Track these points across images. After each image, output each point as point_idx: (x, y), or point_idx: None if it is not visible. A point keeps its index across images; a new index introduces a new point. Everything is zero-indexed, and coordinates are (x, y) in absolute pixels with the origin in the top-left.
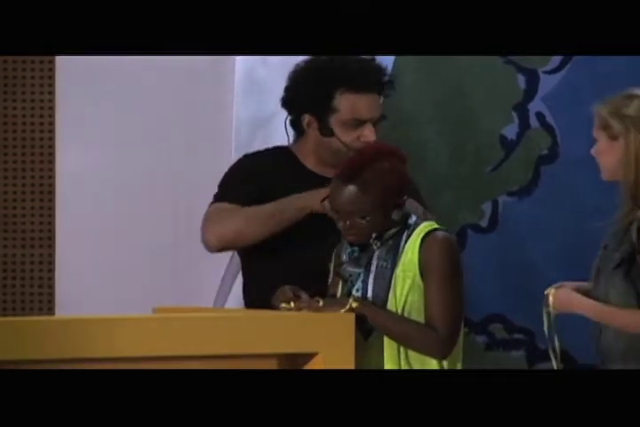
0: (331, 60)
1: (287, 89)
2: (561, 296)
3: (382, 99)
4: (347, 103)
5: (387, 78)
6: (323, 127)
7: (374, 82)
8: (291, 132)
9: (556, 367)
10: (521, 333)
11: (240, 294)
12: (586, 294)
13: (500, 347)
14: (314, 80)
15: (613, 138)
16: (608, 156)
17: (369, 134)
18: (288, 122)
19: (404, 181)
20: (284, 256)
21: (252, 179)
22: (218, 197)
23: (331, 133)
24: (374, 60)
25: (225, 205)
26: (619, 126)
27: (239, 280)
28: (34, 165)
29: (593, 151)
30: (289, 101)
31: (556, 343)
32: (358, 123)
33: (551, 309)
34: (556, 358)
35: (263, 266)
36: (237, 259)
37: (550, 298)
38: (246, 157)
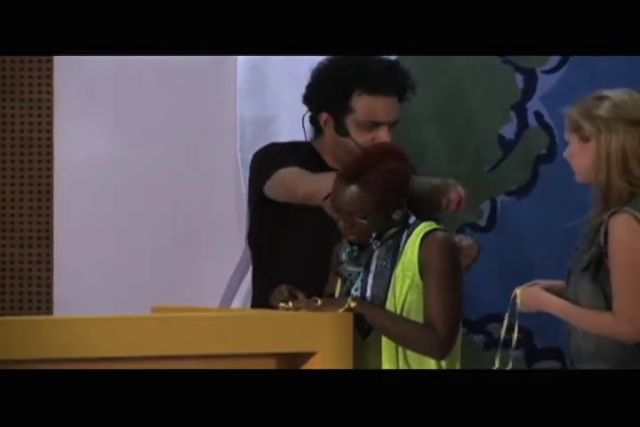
0: (352, 61)
1: (308, 86)
2: (530, 295)
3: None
4: (363, 104)
5: (407, 83)
6: (339, 127)
7: (393, 85)
8: (309, 128)
9: (497, 366)
10: (519, 332)
11: (245, 294)
12: (560, 292)
13: (498, 346)
14: (333, 79)
15: (585, 140)
16: (580, 158)
17: (383, 137)
18: (307, 118)
19: (407, 182)
20: (290, 254)
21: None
22: (280, 165)
23: (346, 133)
24: (397, 63)
25: (297, 168)
26: (590, 128)
27: (244, 281)
28: (32, 164)
29: (565, 154)
30: (308, 98)
31: (513, 346)
32: (373, 125)
33: (519, 307)
34: (504, 362)
35: (271, 264)
36: (245, 258)
37: (518, 298)
38: (274, 144)
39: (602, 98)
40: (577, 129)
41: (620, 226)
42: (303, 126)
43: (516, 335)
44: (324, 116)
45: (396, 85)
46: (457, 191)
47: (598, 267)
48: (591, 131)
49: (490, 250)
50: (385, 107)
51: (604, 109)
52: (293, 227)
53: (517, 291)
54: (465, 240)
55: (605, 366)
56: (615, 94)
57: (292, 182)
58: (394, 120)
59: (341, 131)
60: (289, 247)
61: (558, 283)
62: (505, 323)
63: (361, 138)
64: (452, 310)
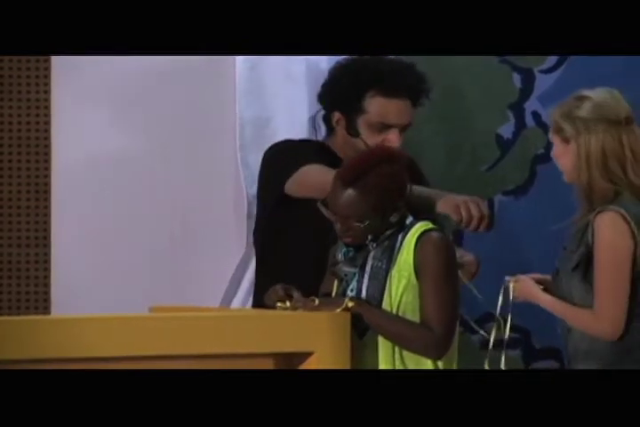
0: (368, 62)
1: (323, 85)
2: (521, 285)
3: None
4: (376, 106)
5: (422, 86)
6: (350, 127)
7: (407, 88)
8: (321, 127)
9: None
10: (517, 332)
11: (245, 293)
12: (550, 286)
13: (495, 346)
14: (347, 79)
15: (566, 141)
16: (564, 159)
17: (393, 139)
18: (321, 117)
19: (404, 185)
20: (295, 254)
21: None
22: (303, 161)
23: (357, 134)
24: (413, 66)
25: (321, 165)
26: (570, 129)
27: (244, 281)
28: (29, 164)
29: (551, 154)
30: (322, 97)
31: (506, 336)
32: (384, 127)
33: (511, 295)
34: (496, 361)
35: (275, 263)
36: (246, 259)
37: (511, 286)
38: (288, 141)
39: (582, 98)
40: (558, 131)
41: (606, 224)
42: (314, 125)
43: (508, 327)
44: (336, 115)
45: (411, 89)
46: (479, 208)
47: (587, 266)
48: (571, 132)
49: (487, 250)
50: (397, 109)
51: (584, 110)
52: (300, 226)
53: (511, 283)
54: (466, 256)
55: (597, 366)
56: (595, 94)
57: (321, 178)
58: (405, 123)
59: (352, 131)
60: (294, 247)
61: (549, 277)
62: (498, 308)
63: (371, 139)
64: (448, 309)
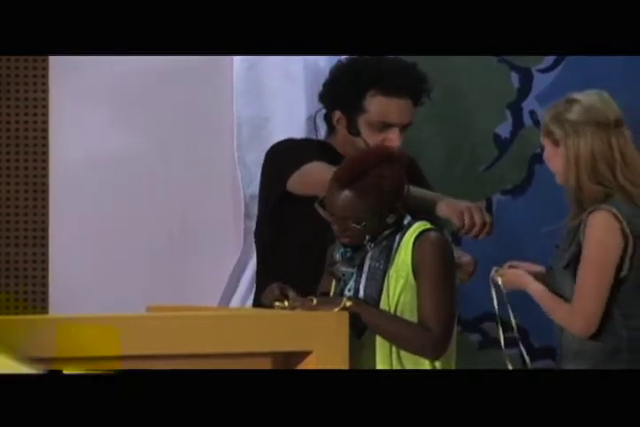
0: (369, 61)
1: (324, 84)
2: (512, 274)
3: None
4: (376, 105)
5: (424, 86)
6: (351, 126)
7: (408, 88)
8: (321, 126)
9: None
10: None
11: (244, 292)
12: (543, 279)
13: (493, 345)
14: (348, 78)
15: (556, 144)
16: (554, 161)
17: (393, 139)
18: (321, 116)
19: (402, 186)
20: (297, 253)
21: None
22: (306, 159)
23: (357, 133)
24: (415, 66)
25: (323, 163)
26: (559, 132)
27: (243, 280)
28: (27, 163)
29: (543, 157)
30: (323, 96)
31: (515, 330)
32: (385, 126)
33: (502, 286)
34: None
35: (276, 262)
36: (244, 258)
37: (499, 280)
38: (291, 140)
39: (571, 101)
40: (548, 133)
41: (598, 222)
42: (315, 124)
43: (514, 323)
44: (337, 114)
45: (411, 88)
46: (482, 215)
47: (578, 264)
48: (560, 135)
49: (485, 249)
50: (398, 109)
51: (573, 113)
52: (301, 225)
53: (498, 277)
54: (464, 257)
55: (587, 366)
56: (585, 97)
57: (324, 176)
58: (406, 123)
59: (353, 130)
60: (295, 246)
61: (540, 269)
62: (495, 301)
63: (371, 138)
64: (446, 309)
